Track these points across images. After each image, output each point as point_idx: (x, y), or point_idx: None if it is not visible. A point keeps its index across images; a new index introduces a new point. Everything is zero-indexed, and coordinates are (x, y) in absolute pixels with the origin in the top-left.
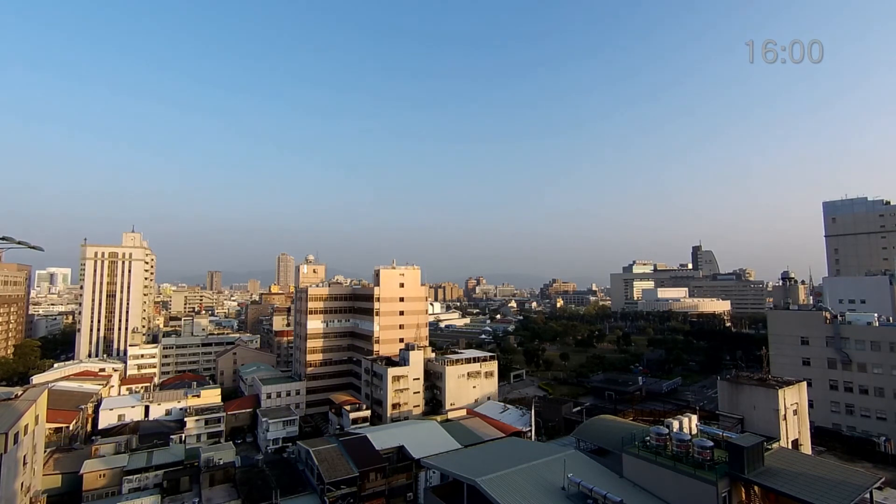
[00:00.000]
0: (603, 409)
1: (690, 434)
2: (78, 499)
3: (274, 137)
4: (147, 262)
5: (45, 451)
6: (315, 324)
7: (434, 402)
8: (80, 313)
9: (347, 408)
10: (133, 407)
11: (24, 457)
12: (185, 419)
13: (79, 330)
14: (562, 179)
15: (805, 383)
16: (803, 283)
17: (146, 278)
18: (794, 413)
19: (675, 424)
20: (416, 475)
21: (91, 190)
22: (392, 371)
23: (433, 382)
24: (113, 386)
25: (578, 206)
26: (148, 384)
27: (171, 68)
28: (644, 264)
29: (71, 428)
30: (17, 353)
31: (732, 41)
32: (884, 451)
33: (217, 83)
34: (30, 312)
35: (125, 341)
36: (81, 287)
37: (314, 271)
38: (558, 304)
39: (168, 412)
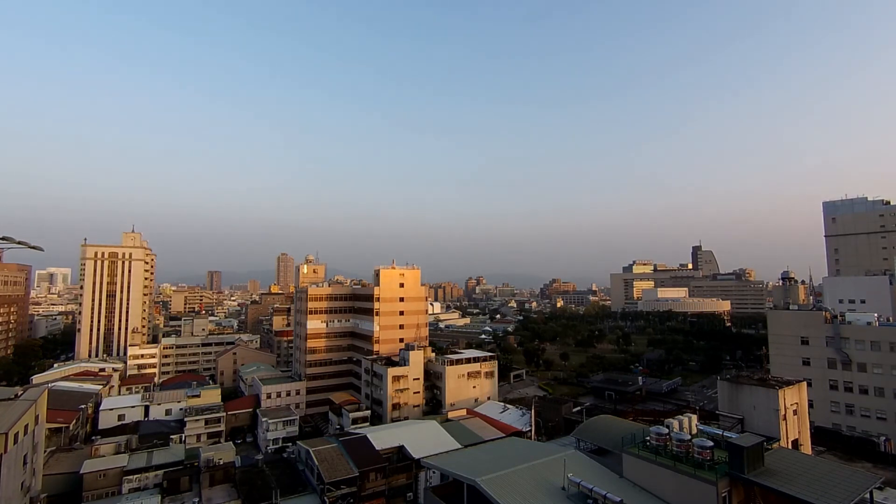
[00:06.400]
0: (603, 409)
1: (690, 434)
2: (78, 499)
3: (274, 136)
4: (147, 262)
5: (45, 451)
6: (315, 324)
7: (434, 402)
8: (80, 313)
9: (347, 408)
10: (133, 407)
11: (24, 457)
12: (185, 419)
13: (79, 330)
14: (562, 179)
15: (805, 383)
16: (803, 283)
17: (146, 278)
18: (794, 413)
19: (675, 424)
20: (416, 475)
21: (91, 190)
22: (392, 371)
23: (433, 382)
24: (113, 386)
25: (579, 206)
26: (148, 384)
27: (170, 64)
28: (644, 264)
29: (71, 428)
30: (18, 353)
31: (733, 40)
32: (884, 451)
33: (217, 83)
34: (30, 312)
35: (125, 341)
36: (81, 287)
37: (314, 271)
38: (558, 304)
39: (168, 412)
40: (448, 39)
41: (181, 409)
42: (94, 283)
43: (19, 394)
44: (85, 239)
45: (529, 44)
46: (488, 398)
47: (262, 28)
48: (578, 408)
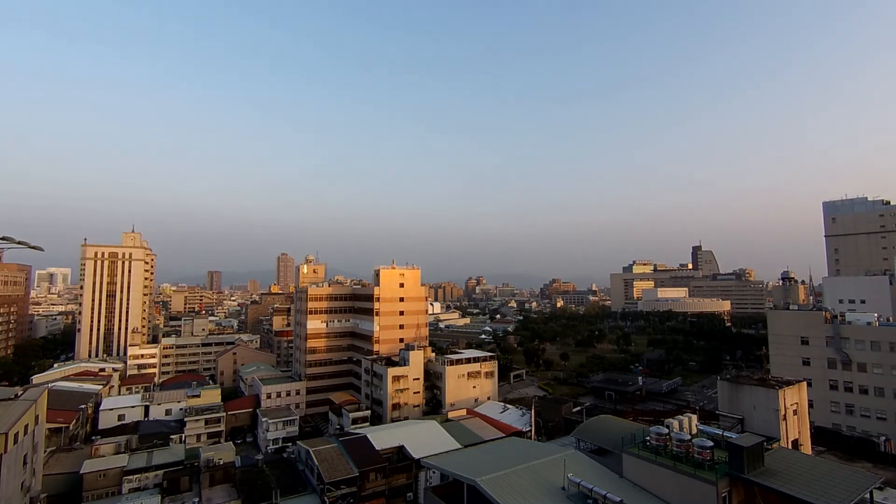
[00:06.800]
0: (603, 409)
1: (690, 434)
2: (78, 499)
3: (274, 135)
4: (147, 262)
5: (45, 451)
6: (315, 324)
7: (434, 402)
8: (80, 313)
9: (347, 408)
10: (133, 407)
11: (24, 457)
12: (185, 419)
13: (79, 330)
14: (562, 179)
15: (805, 383)
16: (803, 283)
17: (146, 278)
18: (794, 413)
19: (675, 424)
20: (416, 475)
21: (91, 190)
22: (392, 371)
23: (433, 382)
24: (113, 386)
25: (579, 206)
26: (148, 384)
27: (169, 62)
28: (644, 264)
29: (71, 428)
30: (18, 353)
31: (732, 39)
32: (884, 451)
33: (216, 81)
34: (30, 312)
35: (125, 341)
36: (81, 287)
37: (314, 271)
38: (558, 304)
39: (168, 412)
40: (451, 37)
41: (181, 409)
42: (94, 283)
43: (19, 394)
44: (85, 239)
45: (529, 42)
46: (488, 398)
47: (261, 23)
48: (578, 408)
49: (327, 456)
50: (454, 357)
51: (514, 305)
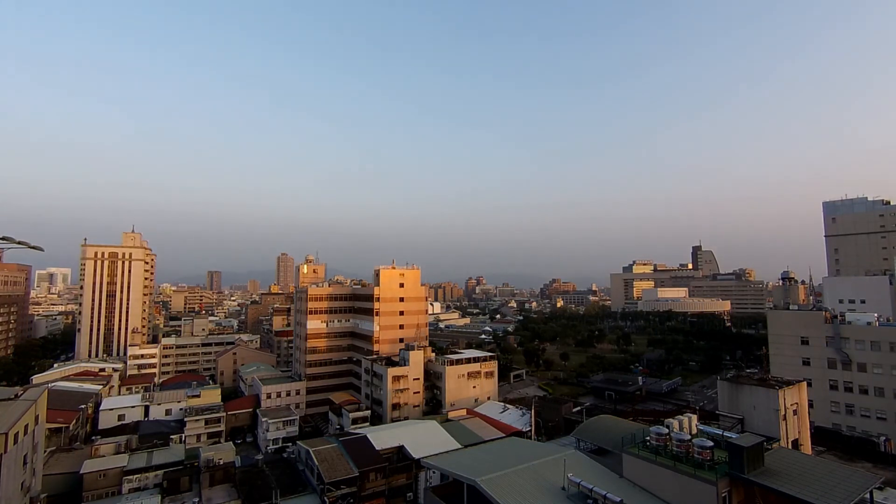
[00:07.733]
0: (603, 409)
1: (690, 434)
2: (78, 499)
3: (274, 135)
4: (147, 262)
5: (45, 451)
6: (315, 324)
7: (434, 402)
8: (80, 313)
9: (347, 408)
10: (133, 407)
11: (24, 457)
12: (185, 419)
13: (79, 330)
14: (562, 179)
15: (805, 383)
16: (803, 283)
17: (146, 278)
18: (794, 413)
19: (675, 424)
20: (416, 475)
21: (91, 190)
22: (392, 371)
23: (433, 382)
24: (113, 386)
25: (579, 206)
26: (148, 384)
27: (168, 61)
28: (644, 264)
29: (71, 428)
30: (18, 353)
31: (734, 44)
32: (884, 451)
33: (215, 79)
34: (30, 312)
35: (125, 341)
36: (81, 287)
37: (314, 271)
38: (558, 304)
39: (168, 412)
40: (438, 15)
41: (181, 409)
42: (94, 283)
43: (19, 394)
44: (85, 239)
45: (528, 35)
46: (488, 398)
47: (265, 14)
48: (578, 408)
49: (327, 456)
50: (454, 357)
51: (514, 305)
